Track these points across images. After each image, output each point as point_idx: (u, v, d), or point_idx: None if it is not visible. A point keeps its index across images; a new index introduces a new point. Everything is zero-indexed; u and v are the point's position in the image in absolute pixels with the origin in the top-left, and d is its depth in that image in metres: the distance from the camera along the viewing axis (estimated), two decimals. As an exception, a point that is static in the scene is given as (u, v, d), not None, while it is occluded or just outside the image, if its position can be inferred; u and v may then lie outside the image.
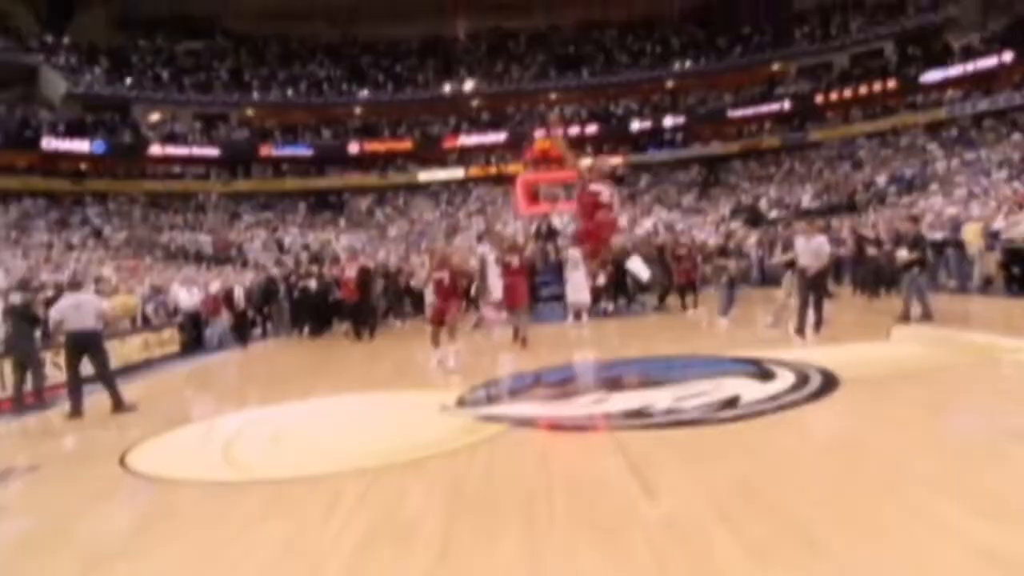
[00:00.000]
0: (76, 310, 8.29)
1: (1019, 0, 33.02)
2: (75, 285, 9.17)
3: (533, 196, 20.73)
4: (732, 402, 5.85)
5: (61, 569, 3.60)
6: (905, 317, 9.92)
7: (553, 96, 40.73)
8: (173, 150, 36.37)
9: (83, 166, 34.64)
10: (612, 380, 7.51)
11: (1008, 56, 31.45)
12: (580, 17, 42.36)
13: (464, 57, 42.38)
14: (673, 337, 11.09)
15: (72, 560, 3.68)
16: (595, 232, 6.34)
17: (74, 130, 33.97)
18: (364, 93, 40.12)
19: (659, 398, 6.13)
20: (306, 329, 16.29)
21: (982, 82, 32.38)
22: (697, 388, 6.44)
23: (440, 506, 3.94)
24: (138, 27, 39.21)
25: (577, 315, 14.38)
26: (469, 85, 40.54)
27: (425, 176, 39.15)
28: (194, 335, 14.39)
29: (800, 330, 9.25)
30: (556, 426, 5.74)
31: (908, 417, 5.17)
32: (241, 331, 15.17)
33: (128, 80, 36.69)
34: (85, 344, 8.32)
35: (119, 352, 12.12)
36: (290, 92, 39.23)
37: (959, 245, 13.71)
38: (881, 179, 27.66)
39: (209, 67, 39.25)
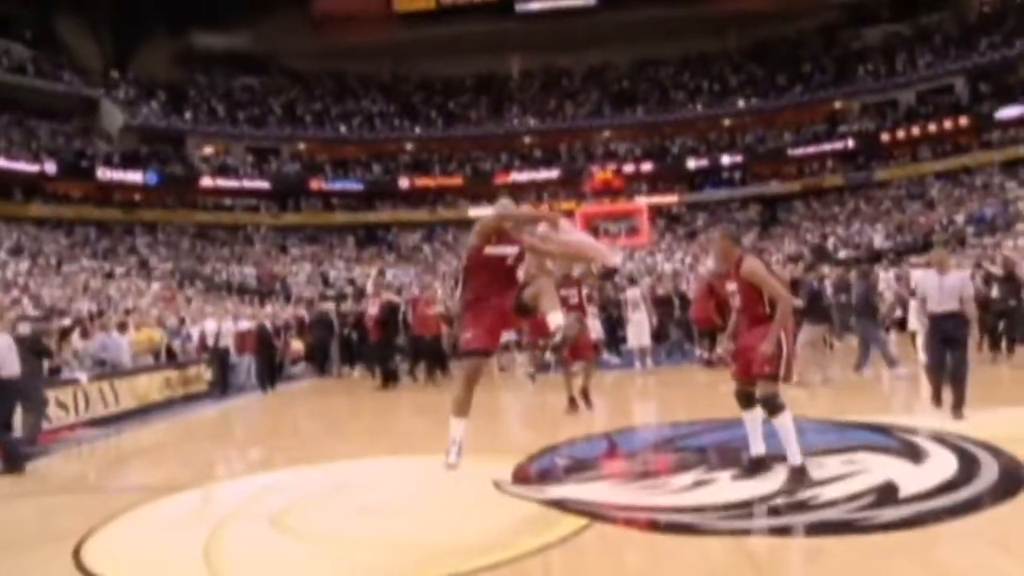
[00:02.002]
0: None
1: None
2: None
3: (593, 230, 19.63)
4: (888, 494, 4.49)
5: None
6: None
7: (607, 133, 39.84)
8: (224, 182, 36.22)
9: (136, 197, 34.65)
10: (711, 451, 6.18)
11: (1091, 92, 29.65)
12: (635, 54, 41.54)
13: (517, 94, 41.83)
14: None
15: None
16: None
17: (129, 161, 34.02)
18: (416, 129, 39.74)
19: (782, 481, 4.84)
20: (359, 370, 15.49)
21: (1063, 119, 30.56)
22: (827, 467, 5.14)
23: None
24: (198, 63, 39.56)
25: (642, 361, 13.07)
26: (524, 122, 39.89)
27: (475, 212, 38.22)
28: (221, 374, 13.31)
29: (937, 398, 6.96)
30: (655, 524, 4.43)
31: None
32: (269, 371, 14.08)
33: (185, 114, 36.83)
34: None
35: (136, 391, 11.24)
36: (342, 128, 39.02)
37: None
38: (959, 218, 25.94)
39: (264, 102, 39.28)
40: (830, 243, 25.62)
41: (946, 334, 6.70)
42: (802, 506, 4.42)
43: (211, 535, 4.63)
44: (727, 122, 39.05)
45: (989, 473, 4.80)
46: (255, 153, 37.93)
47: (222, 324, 13.29)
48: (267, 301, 26.04)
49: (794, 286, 11.51)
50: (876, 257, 23.07)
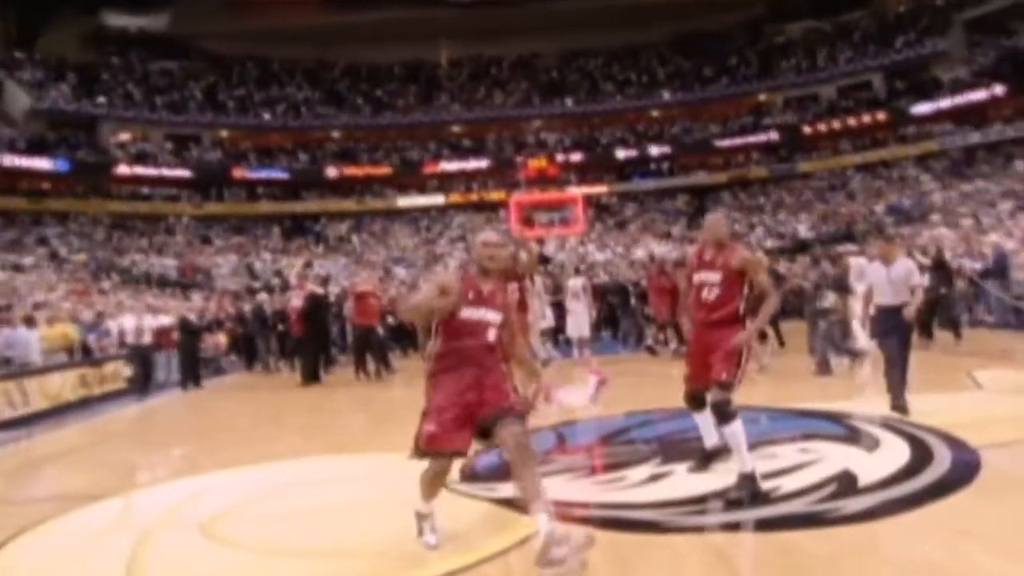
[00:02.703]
0: None
1: (1004, 34, 32.73)
2: None
3: (527, 219, 19.46)
4: (848, 483, 4.40)
5: None
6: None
7: (536, 123, 39.75)
8: (142, 170, 34.73)
9: (45, 185, 32.87)
10: (663, 443, 6.03)
11: (999, 89, 30.97)
12: (564, 45, 41.55)
13: (446, 82, 41.34)
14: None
15: None
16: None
17: (35, 147, 32.21)
18: (343, 117, 38.87)
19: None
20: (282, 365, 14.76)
21: (973, 114, 31.86)
22: (782, 456, 5.05)
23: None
24: (111, 44, 37.74)
25: (580, 351, 12.94)
26: (452, 111, 39.49)
27: (404, 202, 37.83)
28: (142, 371, 12.54)
29: (899, 405, 6.26)
30: (617, 523, 4.23)
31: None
32: (193, 367, 13.39)
33: (98, 98, 35.09)
34: None
35: (48, 390, 10.53)
36: (266, 115, 37.88)
37: (1003, 275, 12.54)
38: (879, 209, 26.81)
39: (183, 87, 37.81)
40: (759, 233, 26.12)
41: (894, 326, 6.36)
42: (764, 499, 4.30)
43: (136, 547, 4.24)
44: (655, 113, 39.47)
45: (942, 459, 4.80)
46: (175, 140, 36.51)
47: (142, 318, 12.52)
48: (189, 294, 25.10)
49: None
50: (802, 247, 23.62)
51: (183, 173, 35.55)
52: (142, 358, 12.45)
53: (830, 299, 9.04)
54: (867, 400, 7.12)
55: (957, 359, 9.19)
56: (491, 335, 3.78)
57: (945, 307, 10.66)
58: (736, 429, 4.45)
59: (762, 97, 38.09)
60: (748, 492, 4.29)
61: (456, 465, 5.55)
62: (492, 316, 3.78)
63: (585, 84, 40.53)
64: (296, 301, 13.77)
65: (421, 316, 3.86)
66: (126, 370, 12.97)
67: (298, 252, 32.92)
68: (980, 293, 12.95)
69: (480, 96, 40.33)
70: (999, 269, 12.68)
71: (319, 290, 13.74)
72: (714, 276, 4.70)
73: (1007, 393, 7.22)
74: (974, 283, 12.67)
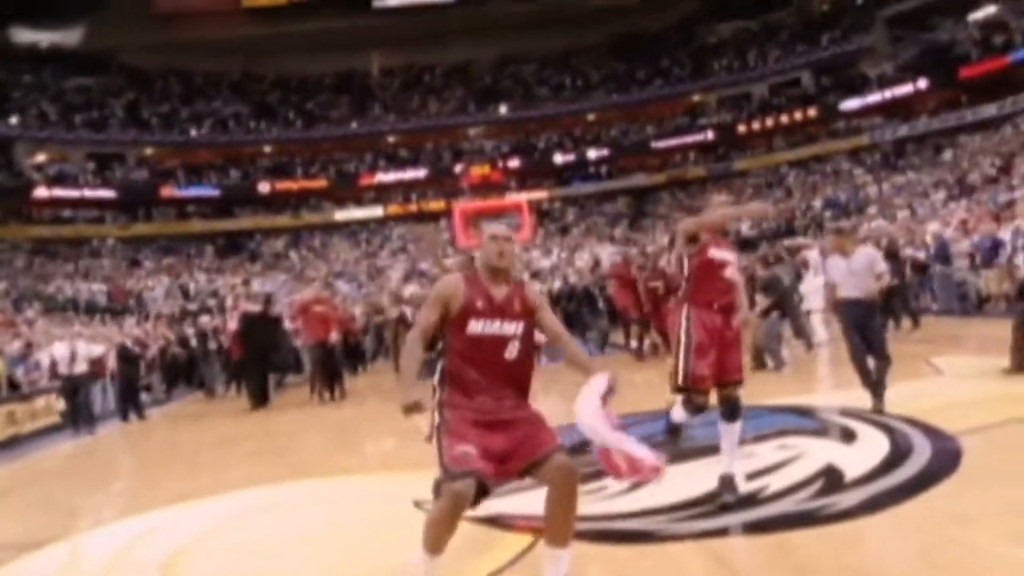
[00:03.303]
0: None
1: (924, 29, 33.92)
2: None
3: (472, 227, 19.20)
4: (835, 479, 4.28)
5: None
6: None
7: (473, 131, 39.56)
8: (62, 192, 33.37)
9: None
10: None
11: (923, 83, 32.03)
12: (497, 51, 41.48)
13: (379, 92, 40.86)
14: (647, 379, 9.57)
15: None
16: None
17: (-56, 172, 30.70)
18: (274, 131, 38.04)
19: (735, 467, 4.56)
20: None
21: (900, 108, 32.87)
22: (763, 455, 4.92)
23: None
24: (21, 63, 36.15)
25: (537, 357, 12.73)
26: (387, 120, 39.05)
27: (342, 215, 37.20)
28: (78, 404, 11.75)
29: (877, 394, 6.03)
30: (608, 534, 4.00)
31: None
32: (133, 397, 12.68)
33: (10, 118, 33.55)
34: None
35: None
36: (193, 131, 36.83)
37: (945, 263, 12.86)
38: (816, 204, 27.38)
39: (103, 104, 36.45)
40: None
41: (860, 319, 6.19)
42: (753, 500, 4.16)
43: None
44: (591, 117, 39.64)
45: (922, 448, 4.76)
46: (96, 159, 35.20)
47: (75, 347, 11.78)
48: (121, 320, 24.10)
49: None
50: (744, 244, 23.89)
51: (107, 194, 34.29)
52: (76, 390, 11.70)
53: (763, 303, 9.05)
54: (829, 393, 7.12)
55: (913, 347, 9.27)
56: (512, 351, 3.09)
57: (900, 296, 10.80)
58: (739, 428, 4.31)
59: (696, 97, 38.62)
60: (734, 494, 4.14)
61: (428, 482, 5.30)
62: (510, 328, 3.10)
63: (520, 90, 40.52)
64: (232, 323, 13.18)
65: (425, 340, 3.15)
66: (59, 403, 12.21)
67: (234, 271, 32.01)
68: (924, 281, 13.23)
69: (415, 105, 39.95)
70: (942, 257, 12.99)
71: (253, 308, 12.92)
72: (732, 256, 4.38)
73: (967, 378, 7.28)
74: (918, 271, 12.93)
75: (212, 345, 15.19)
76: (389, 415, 9.54)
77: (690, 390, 4.20)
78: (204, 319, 17.39)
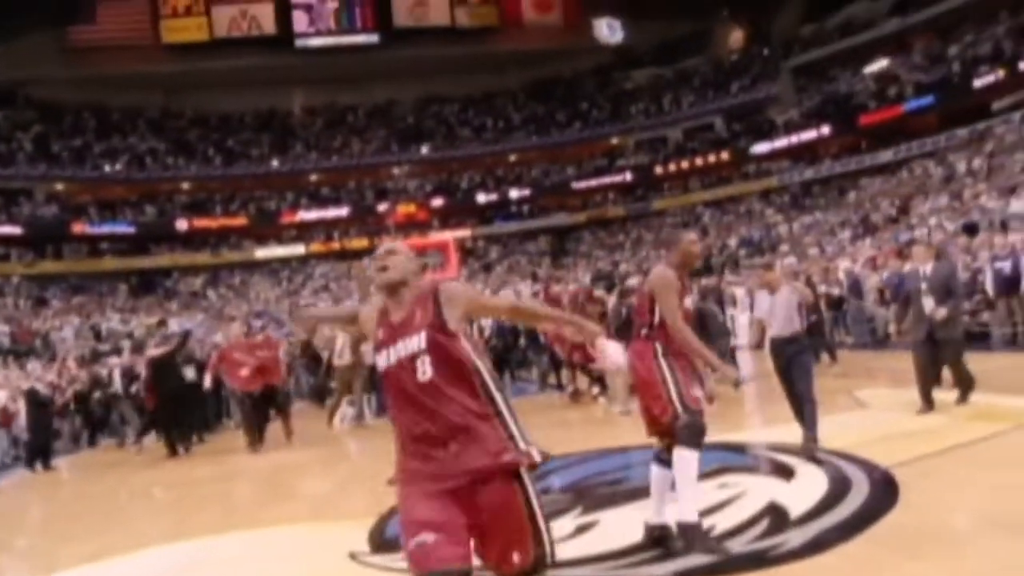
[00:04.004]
0: None
1: (826, 79, 35.91)
2: None
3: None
4: (780, 517, 4.42)
5: None
6: None
7: (396, 171, 39.62)
8: (-38, 229, 31.75)
9: None
10: (579, 489, 5.91)
11: (826, 129, 33.81)
12: (420, 92, 41.82)
13: (301, 131, 40.58)
14: (583, 419, 9.72)
15: None
16: None
17: None
18: (192, 168, 37.25)
19: (672, 515, 4.66)
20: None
21: (805, 152, 34.58)
22: (706, 493, 5.06)
23: None
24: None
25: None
26: (309, 159, 38.75)
27: (263, 253, 36.56)
28: None
29: (811, 438, 5.95)
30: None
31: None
32: (44, 445, 11.99)
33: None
34: None
35: None
36: (107, 166, 35.72)
37: (858, 298, 13.59)
38: (731, 242, 28.41)
39: (10, 137, 34.99)
40: (622, 269, 26.96)
41: (789, 358, 6.13)
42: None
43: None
44: (513, 158, 40.27)
45: (860, 483, 4.93)
46: (2, 195, 33.66)
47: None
48: (25, 362, 22.94)
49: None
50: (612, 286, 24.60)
51: (12, 230, 32.84)
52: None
53: None
54: (760, 429, 7.36)
55: (834, 381, 9.71)
56: (423, 372, 2.54)
57: (818, 331, 11.30)
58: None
59: (614, 140, 39.72)
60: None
61: (363, 532, 5.23)
62: (411, 344, 2.57)
63: (443, 130, 40.90)
64: (140, 368, 12.31)
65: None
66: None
67: (149, 310, 30.94)
68: (838, 316, 13.91)
69: (337, 144, 39.81)
70: (855, 292, 13.73)
71: (156, 352, 12.03)
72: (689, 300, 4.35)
73: (891, 410, 7.56)
74: (833, 307, 13.59)
75: (119, 389, 14.29)
76: (319, 461, 9.39)
77: (692, 412, 4.03)
78: (113, 360, 16.39)
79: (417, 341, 2.58)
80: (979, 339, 11.54)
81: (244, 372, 10.67)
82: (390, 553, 4.76)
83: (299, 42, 39.41)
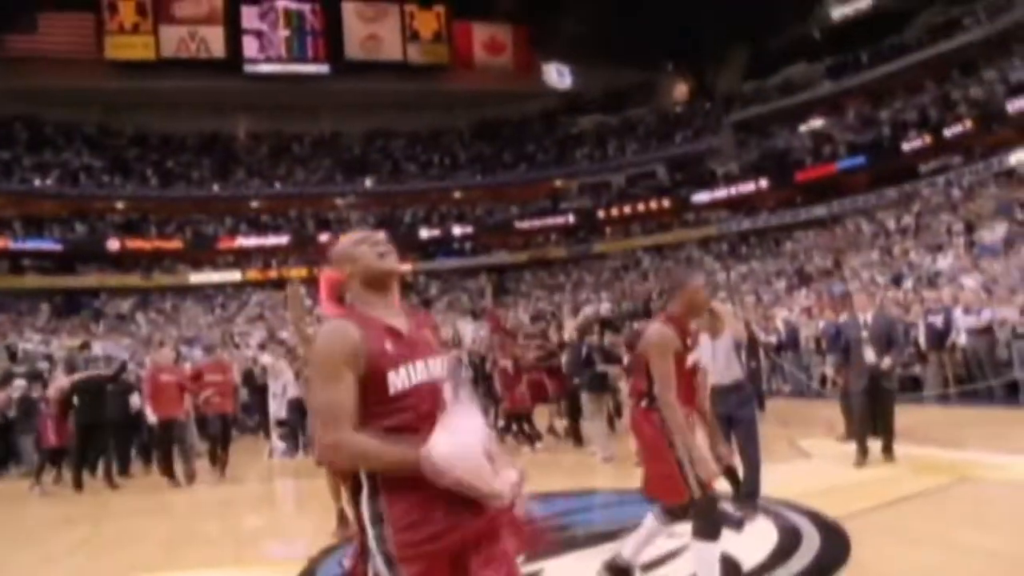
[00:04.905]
0: None
1: (764, 135, 37.16)
2: None
3: (340, 297, 18.68)
4: (732, 571, 4.32)
5: None
6: None
7: (339, 201, 39.26)
8: None
9: None
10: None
11: (764, 182, 34.83)
12: (367, 125, 41.76)
13: (244, 156, 39.95)
14: (536, 462, 9.62)
15: None
16: None
17: None
18: (128, 187, 36.22)
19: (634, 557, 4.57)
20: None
21: (743, 204, 35.52)
22: (661, 543, 5.00)
23: None
24: None
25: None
26: (251, 185, 38.10)
27: (197, 278, 35.59)
28: None
29: (752, 504, 5.46)
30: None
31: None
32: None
33: None
34: None
35: None
36: (37, 181, 34.45)
37: (795, 348, 13.86)
38: (671, 289, 28.83)
39: (-71, 148, 33.55)
40: (565, 311, 27.07)
41: (730, 411, 5.51)
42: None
43: None
44: (457, 195, 40.36)
45: (810, 534, 4.93)
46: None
47: None
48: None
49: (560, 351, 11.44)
50: (604, 324, 24.75)
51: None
52: None
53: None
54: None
55: (773, 428, 9.81)
56: (447, 399, 2.17)
57: (755, 380, 11.43)
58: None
59: (558, 183, 40.19)
60: None
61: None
62: (438, 367, 2.20)
63: (388, 164, 40.79)
64: (52, 392, 11.44)
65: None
66: None
67: (73, 332, 29.69)
68: (775, 365, 14.18)
69: (281, 172, 39.29)
70: (791, 341, 14.01)
71: (64, 382, 11.37)
72: (696, 356, 3.93)
73: (834, 460, 7.66)
74: (770, 356, 13.85)
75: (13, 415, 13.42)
76: (246, 498, 8.99)
77: (708, 497, 3.66)
78: (19, 382, 15.29)
79: (440, 366, 2.20)
80: (911, 391, 11.86)
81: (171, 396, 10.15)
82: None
83: (248, 68, 38.96)
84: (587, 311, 20.85)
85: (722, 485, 4.58)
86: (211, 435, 10.74)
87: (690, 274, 4.08)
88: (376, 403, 2.10)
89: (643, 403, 3.86)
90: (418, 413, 2.10)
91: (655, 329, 3.83)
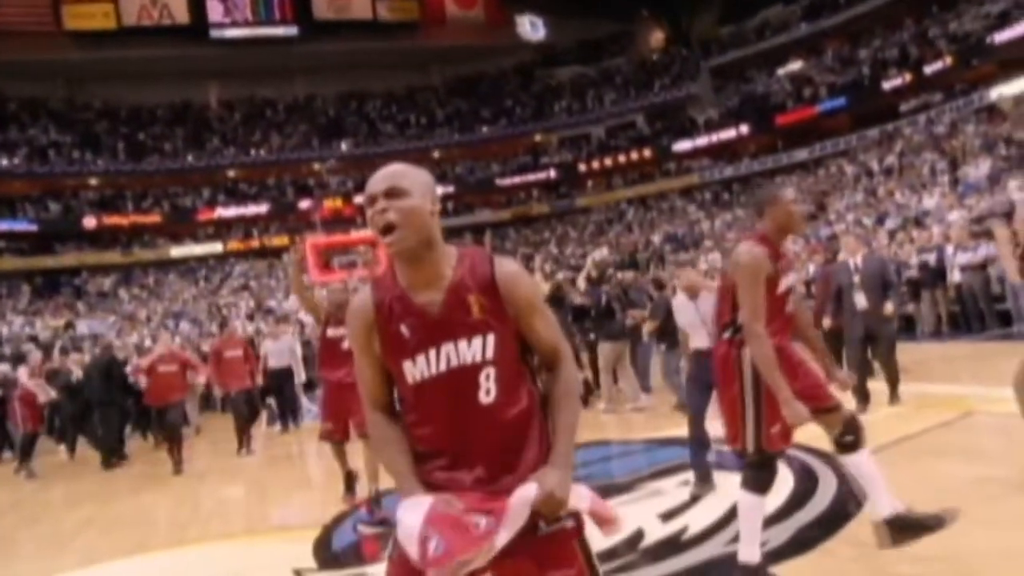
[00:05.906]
0: None
1: (743, 80, 36.85)
2: None
3: (325, 263, 18.64)
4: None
5: None
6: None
7: (316, 166, 38.73)
8: None
9: None
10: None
11: (744, 128, 34.63)
12: (341, 87, 41.04)
13: (217, 125, 39.20)
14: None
15: None
16: None
17: None
18: (101, 162, 35.49)
19: (641, 515, 4.55)
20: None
21: (725, 151, 35.35)
22: (669, 492, 4.98)
23: None
24: None
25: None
26: (226, 154, 37.45)
27: (178, 252, 35.16)
28: None
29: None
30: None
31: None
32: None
33: None
34: None
35: None
36: (4, 160, 33.68)
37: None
38: (656, 238, 28.77)
39: None
40: (548, 266, 26.97)
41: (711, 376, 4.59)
42: (675, 544, 4.18)
43: None
44: (437, 154, 39.85)
45: (826, 476, 4.90)
46: None
47: None
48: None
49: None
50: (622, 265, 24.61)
51: None
52: None
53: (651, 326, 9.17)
54: (710, 424, 7.29)
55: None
56: (487, 391, 1.80)
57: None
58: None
59: (538, 137, 39.80)
60: None
61: (307, 546, 4.92)
62: (470, 349, 1.79)
63: (365, 126, 40.19)
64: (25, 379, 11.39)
65: (387, 411, 1.95)
66: None
67: (56, 312, 29.30)
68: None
69: (256, 139, 38.63)
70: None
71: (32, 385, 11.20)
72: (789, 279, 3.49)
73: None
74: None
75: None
76: (247, 471, 8.91)
77: (764, 455, 3.43)
78: (3, 367, 15.07)
79: (479, 345, 1.79)
80: (906, 330, 11.90)
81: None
82: (340, 569, 4.52)
83: (214, 33, 38.07)
84: (596, 256, 20.11)
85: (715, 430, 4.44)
86: (236, 412, 10.32)
87: (780, 188, 3.60)
88: (401, 390, 1.87)
89: (725, 334, 3.45)
90: (438, 412, 1.81)
91: (745, 249, 3.35)
